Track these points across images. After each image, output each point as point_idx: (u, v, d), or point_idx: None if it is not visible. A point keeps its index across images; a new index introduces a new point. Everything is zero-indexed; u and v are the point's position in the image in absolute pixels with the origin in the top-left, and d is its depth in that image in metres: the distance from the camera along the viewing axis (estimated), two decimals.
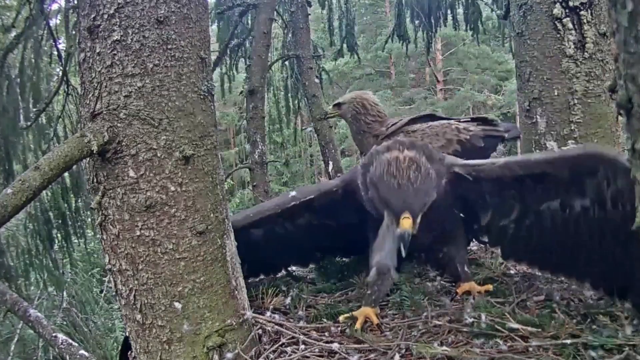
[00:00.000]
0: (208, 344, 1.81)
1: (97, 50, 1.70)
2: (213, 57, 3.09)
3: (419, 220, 1.86)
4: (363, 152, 3.12)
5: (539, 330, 1.83)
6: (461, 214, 2.27)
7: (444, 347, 1.79)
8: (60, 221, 5.44)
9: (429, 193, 1.91)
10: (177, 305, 1.79)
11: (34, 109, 4.69)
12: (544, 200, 2.11)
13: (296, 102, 6.83)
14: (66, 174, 4.95)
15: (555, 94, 2.73)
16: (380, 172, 1.92)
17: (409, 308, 2.10)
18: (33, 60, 4.81)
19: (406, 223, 1.80)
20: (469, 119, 3.07)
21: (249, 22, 6.13)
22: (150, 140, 1.73)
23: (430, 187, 1.91)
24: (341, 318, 2.07)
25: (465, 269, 2.29)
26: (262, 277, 2.61)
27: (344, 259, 2.73)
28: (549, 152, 2.60)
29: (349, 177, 2.30)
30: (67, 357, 1.96)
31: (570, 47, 2.67)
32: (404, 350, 1.81)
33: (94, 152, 1.67)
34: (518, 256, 2.33)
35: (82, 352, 1.98)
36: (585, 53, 2.65)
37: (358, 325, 1.98)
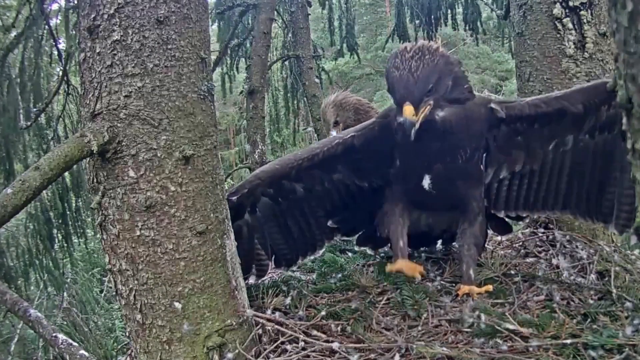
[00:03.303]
0: (208, 344, 1.81)
1: (97, 50, 1.70)
2: (213, 57, 3.08)
3: (421, 111, 1.96)
4: None
5: (539, 330, 1.83)
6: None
7: (444, 347, 1.79)
8: (60, 221, 5.45)
9: (435, 81, 2.00)
10: (177, 305, 1.79)
11: (34, 109, 4.69)
12: (555, 137, 2.19)
13: (296, 102, 6.83)
14: (66, 174, 4.95)
15: None
16: (389, 65, 2.01)
17: (409, 308, 2.10)
18: (33, 60, 4.81)
19: (407, 111, 1.93)
20: None
21: (249, 22, 6.13)
22: (150, 140, 1.73)
23: (434, 76, 1.99)
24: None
25: (471, 272, 2.27)
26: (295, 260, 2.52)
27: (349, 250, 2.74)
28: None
29: (385, 111, 2.31)
30: (67, 357, 1.96)
31: (570, 47, 2.66)
32: (404, 350, 1.81)
33: (94, 152, 1.67)
34: (509, 207, 2.35)
35: (82, 352, 1.97)
36: (585, 53, 2.65)
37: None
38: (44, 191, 3.40)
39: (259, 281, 2.48)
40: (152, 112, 1.72)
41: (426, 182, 2.20)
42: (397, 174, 2.31)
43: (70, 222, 5.54)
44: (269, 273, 2.73)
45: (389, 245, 2.50)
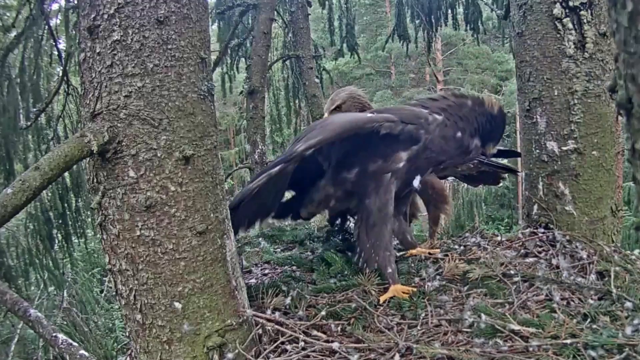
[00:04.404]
0: (208, 344, 1.81)
1: (97, 50, 1.70)
2: (213, 57, 3.08)
3: None
4: None
5: (539, 330, 1.83)
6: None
7: (444, 347, 1.79)
8: (60, 221, 5.45)
9: None
10: (177, 305, 1.79)
11: (34, 109, 4.69)
12: None
13: (296, 102, 6.84)
14: (66, 174, 4.95)
15: (555, 94, 2.72)
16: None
17: (406, 309, 2.10)
18: (33, 60, 4.81)
19: None
20: None
21: (249, 22, 6.14)
22: (150, 140, 1.73)
23: None
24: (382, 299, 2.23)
25: (390, 270, 2.34)
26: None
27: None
28: None
29: (412, 115, 2.40)
30: (67, 357, 1.96)
31: (570, 47, 2.66)
32: (404, 350, 1.81)
33: (94, 152, 1.67)
34: None
35: (82, 352, 1.97)
36: (585, 53, 2.65)
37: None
38: (44, 191, 3.40)
39: (259, 282, 2.48)
40: (152, 112, 1.72)
41: (416, 182, 2.50)
42: (395, 174, 2.39)
43: (70, 222, 5.54)
44: (269, 273, 2.73)
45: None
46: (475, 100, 2.53)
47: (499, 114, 2.54)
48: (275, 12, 5.87)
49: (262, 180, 2.09)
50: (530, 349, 1.74)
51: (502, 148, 3.22)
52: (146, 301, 1.79)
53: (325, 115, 3.00)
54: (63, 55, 4.50)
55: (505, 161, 3.58)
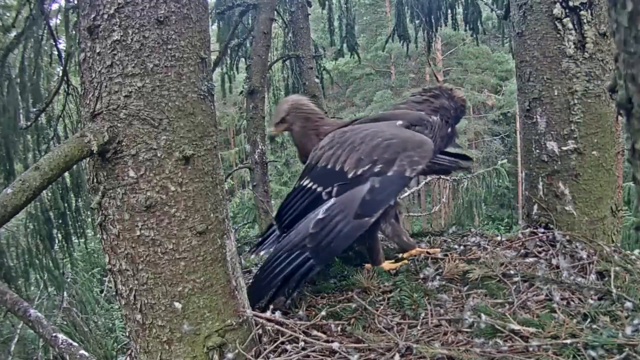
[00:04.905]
0: (208, 344, 1.82)
1: (97, 50, 1.70)
2: (213, 57, 3.07)
3: None
4: (305, 154, 2.81)
5: (539, 330, 1.83)
6: None
7: (444, 347, 1.79)
8: (60, 221, 5.44)
9: None
10: (177, 305, 1.79)
11: (34, 109, 4.69)
12: None
13: None
14: (66, 174, 4.95)
15: (555, 94, 2.72)
16: None
17: (409, 307, 2.10)
18: (33, 60, 4.81)
19: None
20: None
21: (249, 22, 6.13)
22: (150, 140, 1.73)
23: None
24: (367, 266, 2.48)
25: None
26: None
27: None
28: None
29: (417, 117, 2.63)
30: (67, 357, 1.96)
31: (570, 47, 2.66)
32: (404, 350, 1.81)
33: (94, 152, 1.67)
34: None
35: (82, 352, 1.97)
36: (585, 53, 2.65)
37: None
38: (44, 191, 3.40)
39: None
40: (152, 112, 1.72)
41: (414, 180, 2.78)
42: None
43: (70, 222, 5.53)
44: None
45: None
46: (446, 94, 2.76)
47: (461, 101, 2.83)
48: (275, 12, 5.86)
49: (392, 201, 2.37)
50: (530, 349, 1.74)
51: (454, 151, 3.19)
52: (146, 301, 1.79)
53: (272, 128, 2.92)
54: (63, 55, 4.49)
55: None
